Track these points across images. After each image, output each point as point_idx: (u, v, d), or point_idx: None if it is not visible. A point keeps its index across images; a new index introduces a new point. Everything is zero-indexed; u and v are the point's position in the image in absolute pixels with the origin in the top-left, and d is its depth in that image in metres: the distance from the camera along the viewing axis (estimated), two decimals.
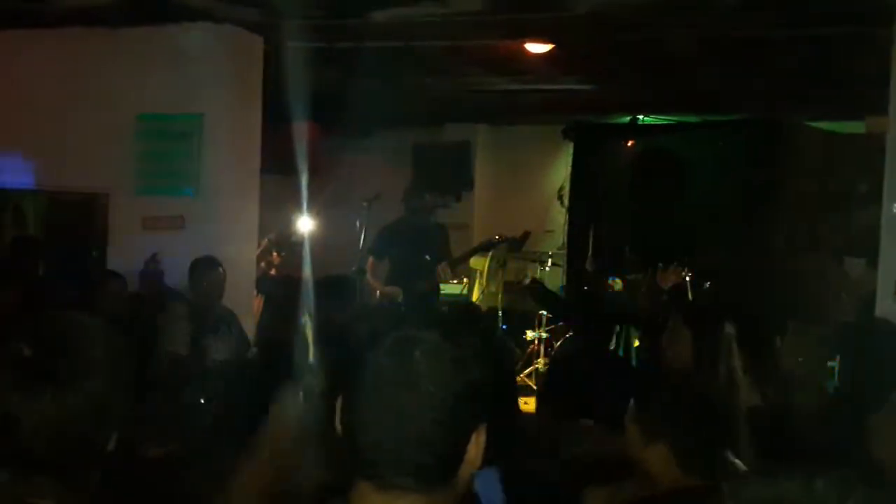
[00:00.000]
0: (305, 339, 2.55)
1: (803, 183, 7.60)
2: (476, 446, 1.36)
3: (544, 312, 7.61)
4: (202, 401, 3.99)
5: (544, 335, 7.68)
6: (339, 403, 1.36)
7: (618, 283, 7.03)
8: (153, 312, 4.69)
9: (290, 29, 5.28)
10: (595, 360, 4.23)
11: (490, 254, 8.08)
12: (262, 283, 6.38)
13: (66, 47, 5.65)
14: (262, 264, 6.43)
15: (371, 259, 6.59)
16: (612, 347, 5.29)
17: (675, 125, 9.09)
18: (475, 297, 8.41)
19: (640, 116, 9.08)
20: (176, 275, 5.19)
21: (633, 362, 5.51)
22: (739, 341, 3.12)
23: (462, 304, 7.06)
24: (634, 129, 9.19)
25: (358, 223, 7.28)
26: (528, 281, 7.74)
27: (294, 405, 1.91)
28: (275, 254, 7.18)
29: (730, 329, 3.17)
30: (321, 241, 7.43)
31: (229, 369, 4.52)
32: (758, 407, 3.04)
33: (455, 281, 7.97)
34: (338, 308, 3.80)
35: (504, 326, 7.90)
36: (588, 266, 7.98)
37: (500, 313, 7.93)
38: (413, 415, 1.29)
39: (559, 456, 3.08)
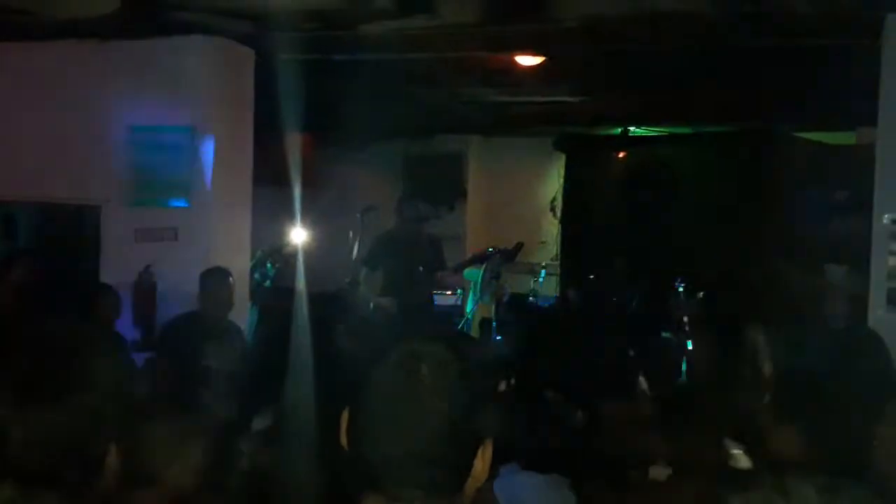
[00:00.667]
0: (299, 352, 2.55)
1: (793, 192, 7.64)
2: (482, 460, 1.36)
3: None
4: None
5: None
6: (344, 417, 1.36)
7: None
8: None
9: (282, 41, 5.29)
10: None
11: (484, 265, 8.09)
12: (257, 294, 6.38)
13: (58, 59, 5.65)
14: (257, 275, 6.43)
15: (364, 270, 6.58)
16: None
17: (666, 136, 9.13)
18: (468, 308, 8.41)
19: (632, 128, 9.11)
20: (169, 286, 5.18)
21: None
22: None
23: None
24: (626, 141, 9.22)
25: (351, 234, 7.29)
26: (506, 298, 7.77)
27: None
28: (269, 265, 7.18)
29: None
30: (315, 253, 7.43)
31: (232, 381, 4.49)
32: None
33: (449, 292, 7.97)
34: (332, 321, 3.80)
35: (498, 337, 7.90)
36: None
37: (493, 324, 7.93)
38: (419, 428, 1.29)
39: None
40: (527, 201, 10.06)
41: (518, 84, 6.94)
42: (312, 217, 7.32)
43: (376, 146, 9.66)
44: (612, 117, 8.83)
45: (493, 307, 8.07)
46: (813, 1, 4.38)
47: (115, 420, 1.47)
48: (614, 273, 7.76)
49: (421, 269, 6.48)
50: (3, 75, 5.75)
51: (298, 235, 7.38)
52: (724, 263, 7.49)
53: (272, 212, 6.67)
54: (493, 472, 1.42)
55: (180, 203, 5.46)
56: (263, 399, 1.92)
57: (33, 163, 5.62)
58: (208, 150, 5.45)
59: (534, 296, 8.67)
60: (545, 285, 8.81)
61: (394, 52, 5.75)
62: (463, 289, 8.46)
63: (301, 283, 5.16)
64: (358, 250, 6.47)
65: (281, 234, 7.50)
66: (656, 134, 9.15)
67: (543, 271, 8.76)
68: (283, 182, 6.09)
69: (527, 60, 6.07)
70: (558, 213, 9.52)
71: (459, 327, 7.81)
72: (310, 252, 7.05)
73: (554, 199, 9.67)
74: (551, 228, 9.65)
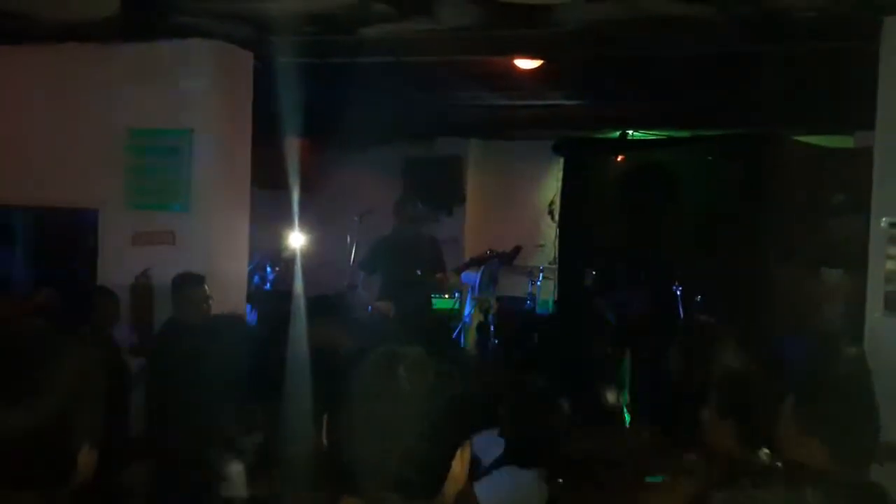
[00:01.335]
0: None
1: (791, 195, 7.65)
2: (461, 462, 1.36)
3: None
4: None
5: None
6: (325, 419, 1.36)
7: None
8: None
9: (281, 45, 5.30)
10: None
11: (482, 268, 8.10)
12: (256, 297, 6.38)
13: (56, 63, 5.65)
14: (256, 279, 6.43)
15: (362, 273, 6.59)
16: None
17: (664, 140, 9.14)
18: (466, 312, 8.42)
19: (630, 131, 9.12)
20: (167, 290, 5.17)
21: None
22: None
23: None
24: (624, 144, 9.24)
25: (349, 238, 7.30)
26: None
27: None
28: (269, 268, 7.18)
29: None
30: (313, 256, 7.43)
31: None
32: None
33: (447, 295, 7.97)
34: (329, 325, 3.80)
35: (496, 341, 7.90)
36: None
37: (491, 328, 7.94)
38: (397, 430, 1.29)
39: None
40: (525, 204, 10.07)
41: (517, 88, 6.95)
42: (311, 220, 7.33)
43: (375, 149, 9.66)
44: (612, 121, 8.84)
45: (484, 317, 8.10)
46: (811, 5, 4.38)
47: (88, 421, 1.46)
48: (613, 276, 7.78)
49: (419, 272, 6.48)
50: (2, 78, 5.75)
51: (297, 239, 7.39)
52: (722, 267, 7.50)
53: (271, 216, 6.68)
54: (475, 473, 1.41)
55: (178, 207, 5.46)
56: (258, 404, 1.92)
57: (31, 166, 5.62)
58: (207, 153, 5.45)
59: (531, 299, 8.69)
60: (543, 288, 8.81)
61: (393, 56, 5.75)
62: (461, 292, 8.47)
63: (299, 287, 5.15)
64: (355, 254, 6.46)
65: (279, 238, 7.51)
66: (655, 138, 9.16)
67: (541, 274, 8.77)
68: (281, 186, 6.10)
69: (526, 64, 6.08)
70: (556, 217, 9.53)
71: (457, 331, 7.82)
72: (308, 255, 7.05)
73: (552, 202, 9.68)
74: (549, 232, 9.66)
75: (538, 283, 8.72)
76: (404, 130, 9.16)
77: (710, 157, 8.65)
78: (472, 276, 8.22)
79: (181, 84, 5.39)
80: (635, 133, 9.14)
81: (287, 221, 6.94)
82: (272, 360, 2.52)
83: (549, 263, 9.30)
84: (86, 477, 1.46)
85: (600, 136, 9.53)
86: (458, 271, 7.17)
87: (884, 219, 4.43)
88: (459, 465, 1.35)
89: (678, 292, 7.54)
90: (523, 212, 10.01)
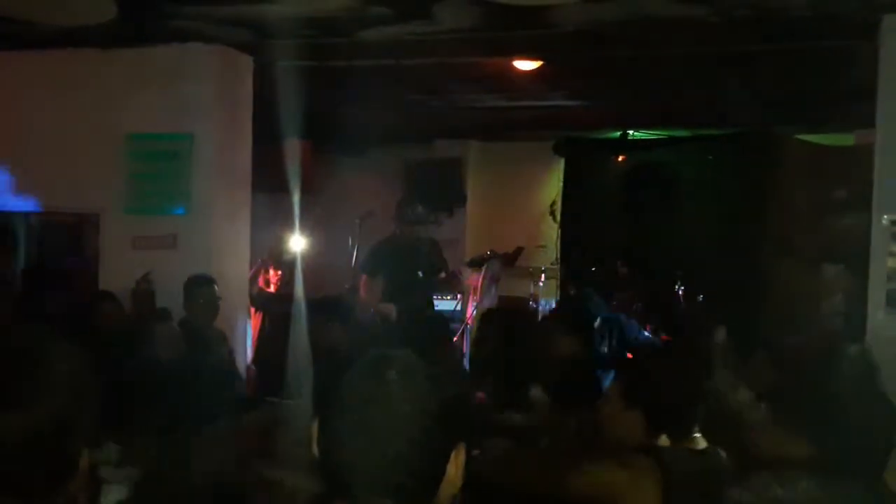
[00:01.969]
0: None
1: (792, 194, 7.65)
2: (455, 465, 1.34)
3: None
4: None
5: None
6: (315, 424, 1.35)
7: None
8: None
9: (280, 48, 5.30)
10: None
11: (483, 269, 8.09)
12: (259, 299, 6.37)
13: (56, 68, 5.66)
14: (260, 281, 6.43)
15: (364, 277, 6.58)
16: None
17: (665, 140, 9.14)
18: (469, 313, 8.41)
19: (631, 131, 9.12)
20: (168, 294, 5.18)
21: None
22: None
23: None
24: (625, 144, 9.23)
25: (350, 241, 7.29)
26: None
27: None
28: (272, 271, 7.18)
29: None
30: (314, 259, 7.43)
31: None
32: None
33: (449, 297, 7.96)
34: (331, 328, 3.80)
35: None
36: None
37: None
38: (389, 435, 1.28)
39: None
40: (526, 205, 10.07)
41: (517, 89, 6.95)
42: (312, 223, 7.33)
43: (375, 152, 9.67)
44: (612, 121, 8.84)
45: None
46: (810, 3, 4.38)
47: (83, 426, 1.45)
48: (614, 276, 7.77)
49: (421, 274, 6.47)
50: (3, 84, 5.76)
51: (298, 242, 7.39)
52: (724, 266, 7.50)
53: (271, 219, 6.68)
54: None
55: (179, 210, 5.46)
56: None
57: (32, 172, 5.62)
58: (207, 157, 5.45)
59: (533, 300, 8.68)
60: (545, 289, 8.81)
61: (392, 59, 5.76)
62: (463, 293, 8.46)
63: (300, 290, 5.16)
64: (356, 257, 6.46)
65: (280, 241, 7.50)
66: (655, 137, 9.16)
67: (543, 275, 8.77)
68: (282, 189, 6.10)
69: (525, 65, 6.07)
70: (558, 217, 9.52)
71: (459, 333, 7.81)
72: (309, 258, 7.06)
73: (553, 202, 9.68)
74: (551, 232, 9.65)
75: (540, 283, 8.72)
76: (404, 133, 9.16)
77: (710, 157, 8.64)
78: (474, 278, 8.21)
79: (181, 88, 5.39)
80: (635, 133, 9.13)
81: (287, 224, 6.94)
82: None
83: (551, 264, 9.30)
84: (83, 483, 1.45)
85: (601, 136, 9.53)
86: (469, 265, 7.14)
87: (885, 216, 4.43)
88: (454, 469, 1.34)
89: (679, 291, 7.55)
90: (524, 213, 10.01)
